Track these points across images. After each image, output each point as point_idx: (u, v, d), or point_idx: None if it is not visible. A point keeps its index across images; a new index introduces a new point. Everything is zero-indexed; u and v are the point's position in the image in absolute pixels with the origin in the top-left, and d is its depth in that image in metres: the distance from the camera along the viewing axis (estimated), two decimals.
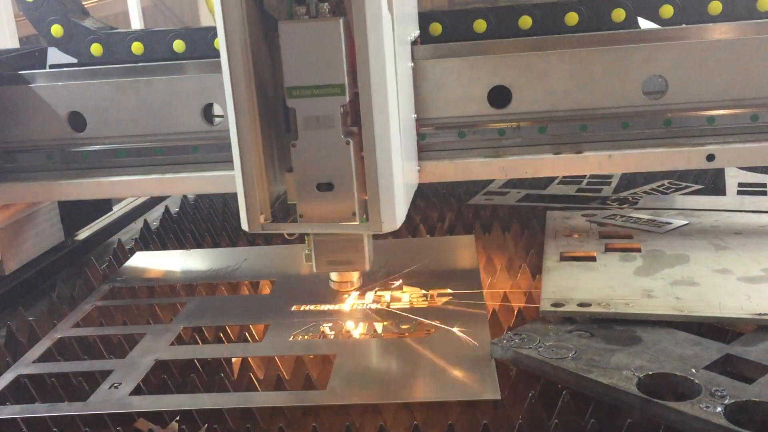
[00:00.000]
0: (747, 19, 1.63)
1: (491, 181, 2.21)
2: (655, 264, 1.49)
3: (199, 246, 1.95)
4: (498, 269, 1.61)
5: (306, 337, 1.38)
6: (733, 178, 2.10)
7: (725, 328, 1.26)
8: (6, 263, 1.79)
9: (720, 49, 1.55)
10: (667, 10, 1.68)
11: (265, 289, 1.64)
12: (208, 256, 1.83)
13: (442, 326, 1.36)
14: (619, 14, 1.69)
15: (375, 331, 1.39)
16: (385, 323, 1.40)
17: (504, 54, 1.59)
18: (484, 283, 1.54)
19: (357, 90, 1.20)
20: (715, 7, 1.67)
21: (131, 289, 1.66)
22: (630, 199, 2.00)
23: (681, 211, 1.85)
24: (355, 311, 1.45)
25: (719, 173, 2.13)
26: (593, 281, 1.42)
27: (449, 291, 1.50)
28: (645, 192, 2.06)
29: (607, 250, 1.60)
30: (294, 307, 1.49)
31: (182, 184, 1.73)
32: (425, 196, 2.10)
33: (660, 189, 2.08)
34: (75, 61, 1.83)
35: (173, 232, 2.03)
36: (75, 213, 2.07)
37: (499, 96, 1.61)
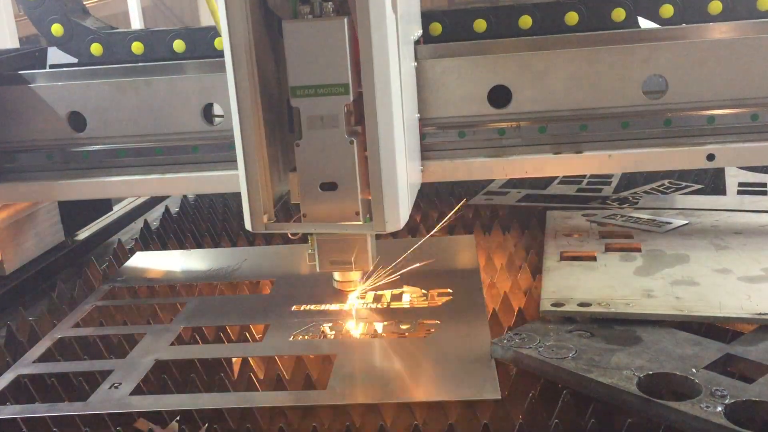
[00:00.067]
0: (747, 19, 1.63)
1: (491, 181, 2.21)
2: (656, 264, 1.49)
3: (199, 246, 1.95)
4: (498, 269, 1.61)
5: (306, 337, 1.38)
6: (733, 177, 2.10)
7: (725, 327, 1.26)
8: (6, 263, 1.79)
9: (720, 48, 1.55)
10: (667, 10, 1.68)
11: (265, 289, 1.64)
12: (208, 256, 1.83)
13: (442, 326, 1.36)
14: (619, 14, 1.69)
15: (375, 331, 1.39)
16: (385, 323, 1.40)
17: (504, 54, 1.59)
18: (484, 283, 1.54)
19: (361, 89, 1.20)
20: (715, 7, 1.67)
21: (131, 289, 1.66)
22: (630, 198, 2.00)
23: (681, 210, 1.85)
24: (355, 311, 1.45)
25: (719, 173, 2.13)
26: (593, 281, 1.42)
27: (449, 291, 1.50)
28: (645, 192, 2.06)
29: (608, 249, 1.60)
30: (294, 307, 1.49)
31: (182, 184, 1.73)
32: (425, 196, 2.10)
33: (660, 189, 2.08)
34: (75, 60, 1.83)
35: (173, 232, 2.03)
36: (75, 213, 2.07)
37: (499, 96, 1.61)
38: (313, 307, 1.49)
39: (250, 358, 1.32)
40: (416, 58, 1.54)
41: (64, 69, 1.75)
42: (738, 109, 1.58)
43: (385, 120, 1.21)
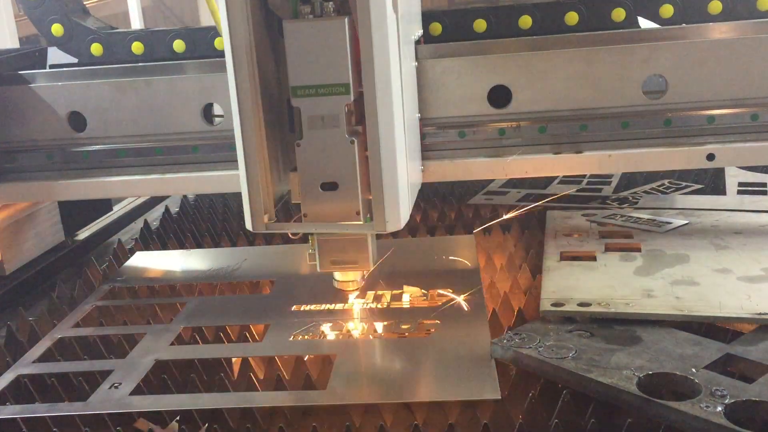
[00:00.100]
0: (747, 19, 1.63)
1: (491, 180, 2.21)
2: (655, 264, 1.49)
3: (199, 246, 1.95)
4: (498, 269, 1.61)
5: (306, 337, 1.38)
6: (733, 177, 2.10)
7: (725, 327, 1.26)
8: (6, 263, 1.79)
9: (720, 48, 1.55)
10: (667, 10, 1.68)
11: (265, 289, 1.64)
12: (208, 256, 1.83)
13: (442, 326, 1.36)
14: (619, 14, 1.69)
15: (375, 331, 1.39)
16: (385, 323, 1.40)
17: (504, 54, 1.59)
18: (484, 282, 1.54)
19: (361, 89, 1.20)
20: (715, 7, 1.67)
21: (131, 289, 1.66)
22: (630, 198, 2.00)
23: (681, 210, 1.85)
24: (355, 311, 1.45)
25: (719, 173, 2.13)
26: (593, 281, 1.42)
27: (449, 291, 1.50)
28: (645, 192, 2.06)
29: (607, 249, 1.60)
30: (294, 307, 1.49)
31: (182, 184, 1.73)
32: (425, 196, 2.10)
33: (660, 188, 2.08)
34: (75, 60, 1.83)
35: (173, 232, 2.03)
36: (75, 213, 2.07)
37: (499, 96, 1.61)
38: (313, 307, 1.49)
39: (250, 358, 1.32)
40: (416, 58, 1.54)
41: (64, 69, 1.75)
42: (738, 109, 1.58)
43: (386, 120, 1.21)
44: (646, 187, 2.10)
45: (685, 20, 1.67)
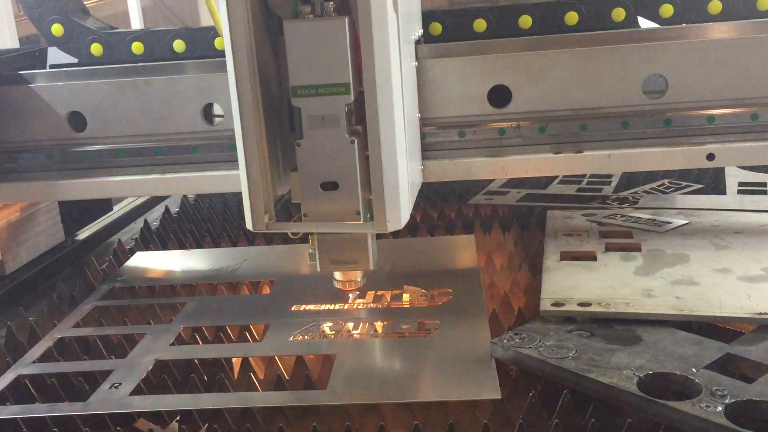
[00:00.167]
0: (747, 19, 1.63)
1: (491, 180, 2.21)
2: (656, 263, 1.49)
3: (199, 246, 1.95)
4: (498, 269, 1.61)
5: (306, 337, 1.38)
6: (734, 177, 2.10)
7: (725, 327, 1.26)
8: (6, 263, 1.79)
9: (720, 48, 1.55)
10: (667, 10, 1.68)
11: (265, 289, 1.64)
12: (208, 256, 1.83)
13: (442, 326, 1.36)
14: (619, 13, 1.69)
15: (375, 331, 1.39)
16: (385, 323, 1.40)
17: (504, 53, 1.59)
18: (484, 282, 1.54)
19: (362, 89, 1.20)
20: (715, 7, 1.67)
21: (131, 289, 1.66)
22: (630, 198, 2.00)
23: (681, 210, 1.85)
24: (355, 311, 1.45)
25: (719, 172, 2.14)
26: (593, 281, 1.42)
27: (449, 291, 1.50)
28: (645, 191, 2.06)
29: (608, 249, 1.60)
30: (294, 307, 1.49)
31: (182, 184, 1.73)
32: (425, 196, 2.10)
33: (660, 188, 2.08)
34: (75, 61, 1.83)
35: (173, 232, 2.03)
36: (75, 213, 2.07)
37: (499, 95, 1.61)
38: (313, 307, 1.49)
39: (250, 358, 1.32)
40: (416, 58, 1.54)
41: (64, 69, 1.75)
42: (738, 109, 1.58)
43: (386, 119, 1.21)
44: (646, 187, 2.10)
45: (685, 20, 1.68)
